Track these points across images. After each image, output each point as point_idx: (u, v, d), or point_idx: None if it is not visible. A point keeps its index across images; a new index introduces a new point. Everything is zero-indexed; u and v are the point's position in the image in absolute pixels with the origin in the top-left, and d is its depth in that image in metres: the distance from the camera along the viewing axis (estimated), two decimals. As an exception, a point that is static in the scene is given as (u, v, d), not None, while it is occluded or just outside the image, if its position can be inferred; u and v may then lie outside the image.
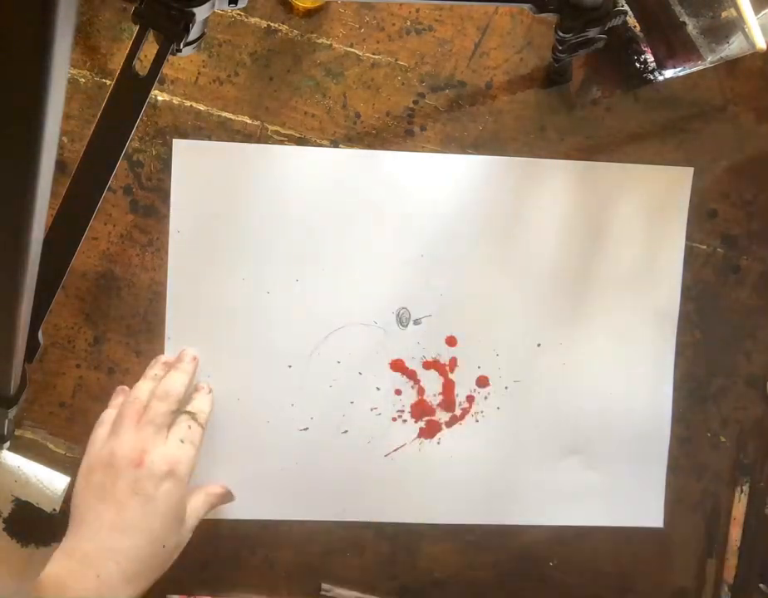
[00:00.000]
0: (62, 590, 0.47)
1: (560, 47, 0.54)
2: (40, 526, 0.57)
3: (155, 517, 0.50)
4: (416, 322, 0.60)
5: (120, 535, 0.49)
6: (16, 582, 0.56)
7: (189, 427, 0.54)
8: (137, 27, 0.44)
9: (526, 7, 0.52)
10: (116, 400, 0.56)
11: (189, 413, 0.55)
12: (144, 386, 0.56)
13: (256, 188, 0.58)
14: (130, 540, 0.49)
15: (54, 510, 0.57)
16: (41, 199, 0.23)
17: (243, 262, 0.59)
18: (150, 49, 0.44)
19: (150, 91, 0.44)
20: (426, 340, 0.61)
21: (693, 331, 0.64)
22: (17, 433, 0.57)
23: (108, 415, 0.55)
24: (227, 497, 0.58)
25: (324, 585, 0.60)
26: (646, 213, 0.62)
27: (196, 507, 0.55)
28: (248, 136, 0.58)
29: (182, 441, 0.53)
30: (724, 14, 0.53)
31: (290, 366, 0.59)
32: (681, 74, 0.59)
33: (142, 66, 0.44)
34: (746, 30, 0.51)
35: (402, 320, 0.60)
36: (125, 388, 0.57)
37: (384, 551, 0.61)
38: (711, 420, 0.64)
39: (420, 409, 0.61)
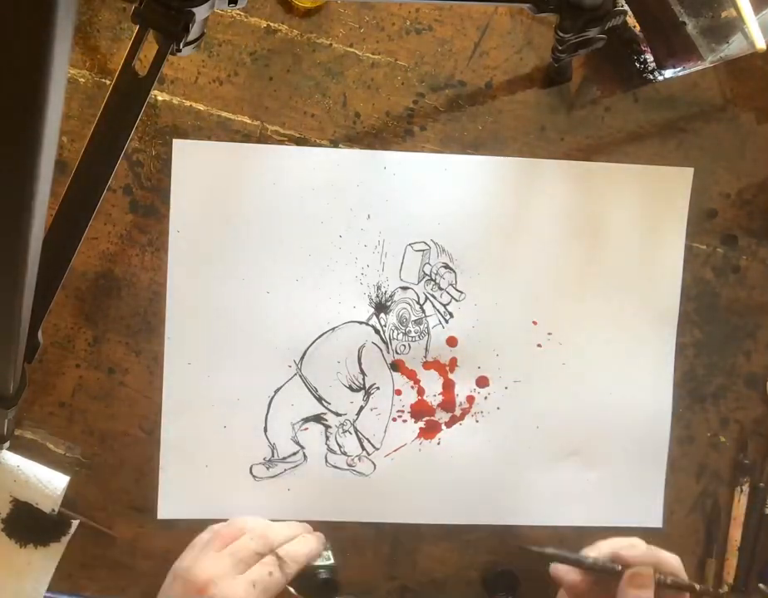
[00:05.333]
0: None
1: (560, 47, 0.54)
2: (39, 527, 0.57)
3: None
4: (417, 322, 0.60)
5: None
6: (15, 583, 0.56)
7: (270, 573, 0.51)
8: (137, 27, 0.44)
9: (526, 7, 0.52)
10: (239, 522, 0.55)
11: (278, 557, 0.52)
12: (256, 523, 0.55)
13: (256, 188, 0.58)
14: None
15: (53, 510, 0.57)
16: (41, 199, 0.23)
17: (243, 261, 0.58)
18: (149, 49, 0.44)
19: (149, 91, 0.44)
20: (427, 340, 0.61)
21: (693, 331, 0.64)
22: (17, 433, 0.57)
23: (219, 527, 0.54)
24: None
25: None
26: (646, 213, 0.62)
27: None
28: (247, 136, 0.58)
29: (254, 585, 0.50)
30: (724, 14, 0.53)
31: (290, 366, 0.59)
32: (681, 74, 0.59)
33: (142, 66, 0.44)
34: (746, 30, 0.51)
35: (402, 320, 0.60)
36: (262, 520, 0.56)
37: (384, 551, 0.61)
38: (711, 420, 0.64)
39: (420, 409, 0.61)
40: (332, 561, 0.56)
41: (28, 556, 0.56)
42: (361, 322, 0.60)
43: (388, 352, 0.60)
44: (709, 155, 0.63)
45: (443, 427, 0.61)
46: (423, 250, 0.60)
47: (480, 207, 0.60)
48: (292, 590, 0.53)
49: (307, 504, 0.60)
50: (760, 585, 0.64)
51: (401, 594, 0.62)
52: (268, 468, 0.60)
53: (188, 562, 0.52)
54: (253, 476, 0.59)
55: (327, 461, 0.60)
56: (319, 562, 0.55)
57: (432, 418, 0.61)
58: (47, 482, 0.56)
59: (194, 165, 0.58)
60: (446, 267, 0.61)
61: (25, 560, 0.56)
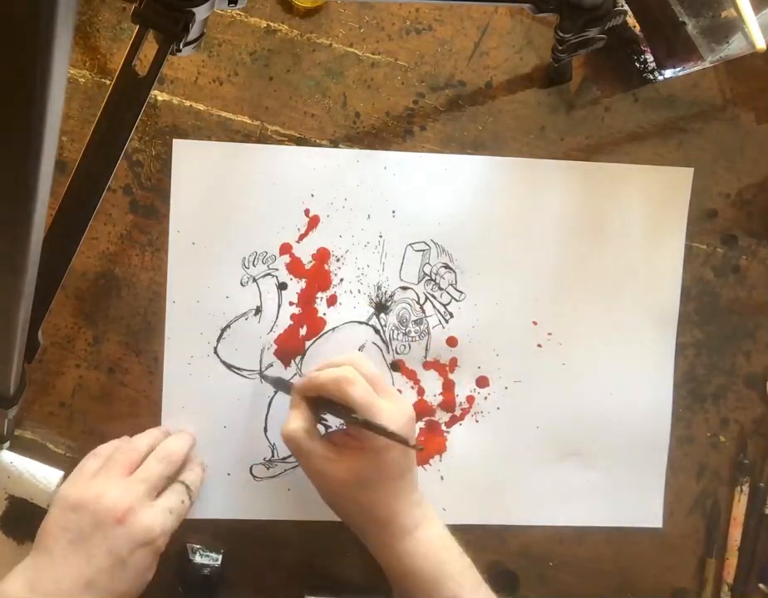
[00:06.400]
0: None
1: (560, 47, 0.54)
2: (36, 523, 0.56)
3: (122, 581, 0.48)
4: (417, 322, 0.60)
5: (84, 588, 0.47)
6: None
7: (183, 501, 0.52)
8: (137, 27, 0.44)
9: (526, 6, 0.52)
10: (115, 442, 0.55)
11: (185, 485, 0.53)
12: (144, 440, 0.55)
13: (256, 188, 0.58)
14: (92, 596, 0.47)
15: (48, 505, 0.56)
16: (41, 199, 0.23)
17: (243, 262, 0.58)
18: (149, 49, 0.44)
19: (149, 91, 0.44)
20: (427, 340, 0.61)
21: (693, 331, 0.64)
22: (17, 433, 0.57)
23: (104, 450, 0.54)
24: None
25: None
26: (646, 213, 0.62)
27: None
28: (247, 136, 0.58)
29: (171, 512, 0.51)
30: (724, 14, 0.53)
31: (289, 366, 0.59)
32: (681, 74, 0.59)
33: (142, 66, 0.44)
34: (746, 30, 0.51)
35: (402, 320, 0.60)
36: (126, 437, 0.56)
37: (384, 551, 0.61)
38: (711, 420, 0.64)
39: (420, 409, 0.61)
40: (218, 562, 0.58)
41: (26, 552, 0.56)
42: (361, 322, 0.60)
43: (388, 352, 0.60)
44: (709, 155, 0.63)
45: (443, 427, 0.61)
46: (423, 250, 0.60)
47: (479, 207, 0.60)
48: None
49: (307, 504, 0.60)
50: (760, 585, 0.64)
51: (401, 594, 0.61)
52: (268, 468, 0.60)
53: (93, 490, 0.50)
54: (253, 476, 0.59)
55: (327, 461, 0.60)
56: (206, 561, 0.57)
57: (432, 418, 0.61)
58: (41, 478, 0.56)
59: (194, 165, 0.58)
60: (446, 267, 0.61)
61: (23, 557, 0.56)
